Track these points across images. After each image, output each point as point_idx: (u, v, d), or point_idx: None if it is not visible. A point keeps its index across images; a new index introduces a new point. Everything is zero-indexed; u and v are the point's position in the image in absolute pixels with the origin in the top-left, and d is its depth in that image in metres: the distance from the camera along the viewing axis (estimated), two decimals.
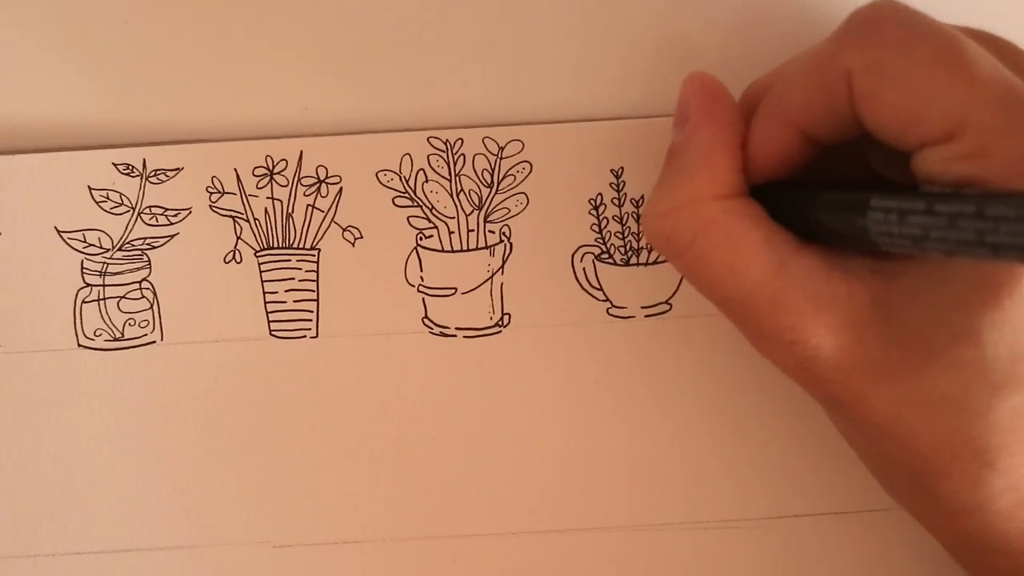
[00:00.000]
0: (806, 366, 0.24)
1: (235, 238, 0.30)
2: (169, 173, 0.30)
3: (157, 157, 0.30)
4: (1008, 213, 0.18)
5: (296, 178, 0.30)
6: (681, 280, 0.30)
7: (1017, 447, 0.23)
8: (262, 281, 0.30)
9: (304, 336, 0.30)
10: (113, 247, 0.30)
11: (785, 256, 0.24)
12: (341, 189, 0.30)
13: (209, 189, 0.30)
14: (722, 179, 0.25)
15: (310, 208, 0.30)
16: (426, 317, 0.30)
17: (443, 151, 0.30)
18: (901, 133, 0.22)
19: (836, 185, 0.24)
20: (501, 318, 0.30)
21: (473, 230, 0.30)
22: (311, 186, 0.30)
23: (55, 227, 0.30)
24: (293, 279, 0.30)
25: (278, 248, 0.30)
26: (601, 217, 0.30)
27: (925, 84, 0.22)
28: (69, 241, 0.30)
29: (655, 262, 0.30)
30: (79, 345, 0.30)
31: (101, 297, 0.30)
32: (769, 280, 0.24)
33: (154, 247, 0.30)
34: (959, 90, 0.21)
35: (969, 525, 0.24)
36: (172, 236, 0.30)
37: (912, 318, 0.23)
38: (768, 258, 0.24)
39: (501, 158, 0.30)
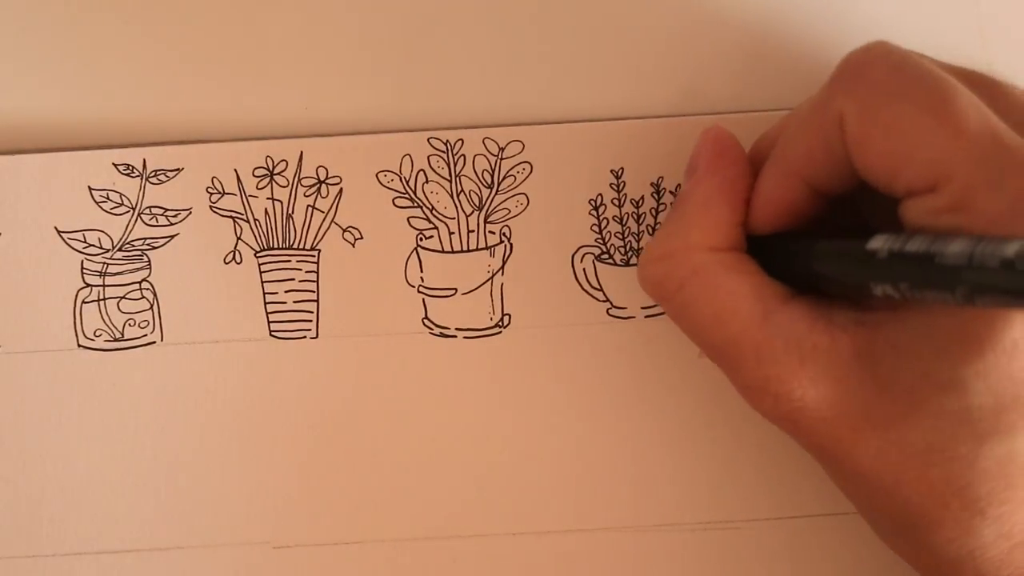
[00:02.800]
0: (792, 417, 0.24)
1: (235, 238, 0.30)
2: (169, 173, 0.30)
3: (157, 157, 0.30)
4: (1004, 251, 0.18)
5: (296, 178, 0.30)
6: None
7: (1007, 495, 0.22)
8: (262, 282, 0.30)
9: (304, 337, 0.30)
10: (113, 247, 0.30)
11: (771, 307, 0.24)
12: (341, 190, 0.30)
13: (209, 189, 0.30)
14: (718, 231, 0.25)
15: (310, 209, 0.30)
16: (426, 318, 0.30)
17: (443, 152, 0.30)
18: (889, 180, 0.23)
19: (828, 234, 0.24)
20: (501, 318, 0.30)
21: (473, 231, 0.30)
22: (311, 187, 0.30)
23: (55, 227, 0.30)
24: (293, 280, 0.30)
25: (278, 249, 0.30)
26: (601, 217, 0.30)
27: (911, 132, 0.22)
28: (69, 241, 0.30)
29: None
30: (79, 345, 0.30)
31: (101, 297, 0.30)
32: (753, 330, 0.24)
33: (154, 247, 0.30)
34: (944, 141, 0.21)
35: (961, 573, 0.23)
36: (172, 236, 0.30)
37: (896, 369, 0.23)
38: (753, 308, 0.24)
39: (501, 159, 0.30)
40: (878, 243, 0.22)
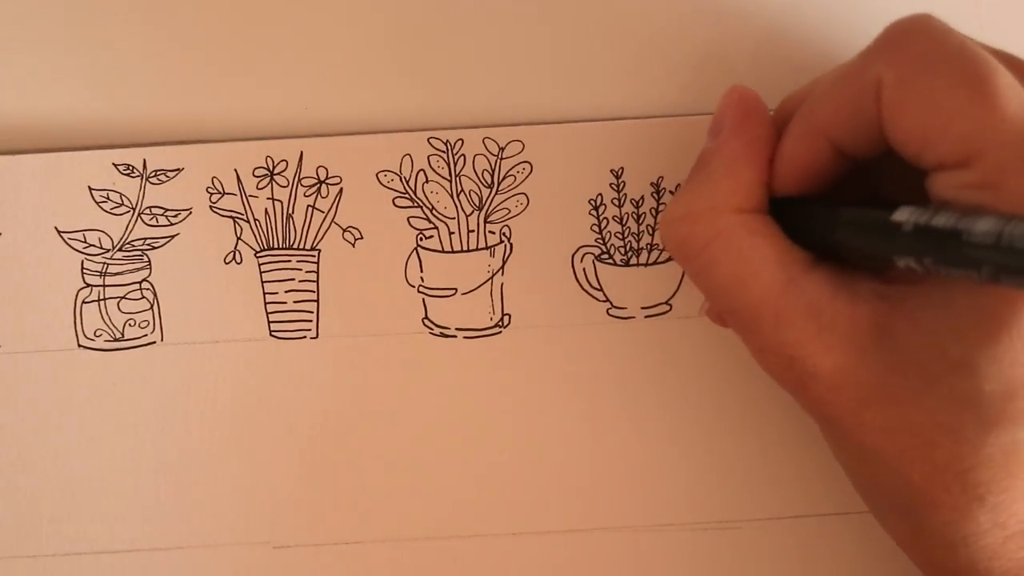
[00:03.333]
0: (805, 383, 0.24)
1: (235, 238, 0.30)
2: (169, 173, 0.30)
3: (157, 157, 0.30)
4: None
5: (296, 178, 0.30)
6: (681, 281, 0.30)
7: (1007, 483, 0.23)
8: (262, 282, 0.30)
9: (304, 337, 0.30)
10: (113, 247, 0.30)
11: (793, 273, 0.24)
12: (341, 190, 0.30)
13: (209, 189, 0.30)
14: (743, 191, 0.25)
15: (310, 209, 0.30)
16: (426, 318, 0.30)
17: (443, 151, 0.30)
18: (920, 151, 0.23)
19: (854, 203, 0.24)
20: (501, 318, 0.30)
21: (473, 230, 0.30)
22: (311, 187, 0.30)
23: (55, 227, 0.30)
24: (293, 280, 0.30)
25: (278, 249, 0.30)
26: (601, 217, 0.30)
27: (947, 105, 0.22)
28: (69, 241, 0.30)
29: (655, 262, 0.30)
30: (79, 345, 0.30)
31: (101, 297, 0.30)
32: (775, 295, 0.24)
33: (154, 247, 0.30)
34: (978, 117, 0.21)
35: (954, 560, 0.23)
36: (172, 236, 0.30)
37: (912, 345, 0.23)
38: (776, 274, 0.24)
39: (501, 158, 0.30)
40: (904, 215, 0.21)
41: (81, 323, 0.30)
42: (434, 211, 0.30)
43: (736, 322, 0.26)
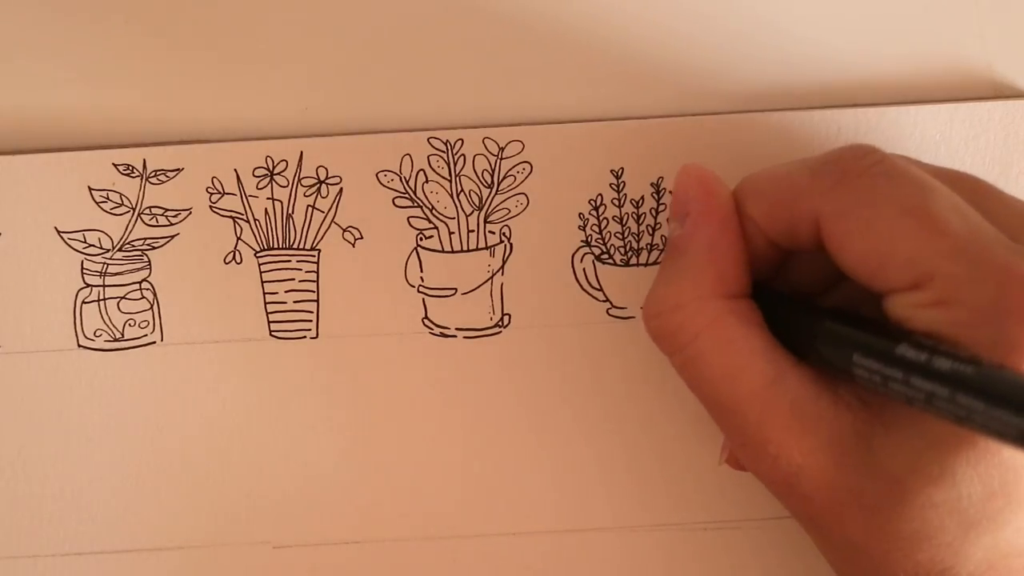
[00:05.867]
0: (788, 482, 0.24)
1: (235, 239, 0.30)
2: (169, 173, 0.30)
3: (157, 157, 0.30)
4: (977, 407, 0.20)
5: (296, 179, 0.30)
6: None
7: None
8: (262, 282, 0.30)
9: (304, 336, 0.30)
10: (113, 247, 0.30)
11: (781, 369, 0.24)
12: (341, 190, 0.30)
13: (209, 190, 0.30)
14: (731, 277, 0.25)
15: (310, 209, 0.30)
16: (426, 317, 0.30)
17: (443, 151, 0.30)
18: (870, 278, 0.23)
19: (830, 315, 0.24)
20: (501, 318, 0.30)
21: (473, 230, 0.30)
22: (311, 187, 0.30)
23: (55, 227, 0.30)
24: (293, 279, 0.30)
25: (278, 249, 0.30)
26: (601, 217, 0.30)
27: (891, 235, 0.22)
28: (69, 241, 0.30)
29: (655, 262, 0.30)
30: (79, 345, 0.30)
31: (101, 297, 0.30)
32: (761, 391, 0.24)
33: (154, 247, 0.30)
34: (925, 241, 0.22)
35: None
36: (172, 237, 0.30)
37: (887, 456, 0.23)
38: (765, 368, 0.24)
39: (501, 158, 0.30)
40: (873, 364, 0.22)
41: (81, 323, 0.30)
42: (434, 211, 0.30)
43: (720, 415, 0.25)
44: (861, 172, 0.23)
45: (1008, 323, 0.21)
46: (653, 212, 0.30)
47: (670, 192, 0.30)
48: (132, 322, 0.30)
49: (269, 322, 0.30)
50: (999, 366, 0.20)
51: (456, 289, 0.30)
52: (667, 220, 0.30)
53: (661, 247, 0.31)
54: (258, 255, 0.30)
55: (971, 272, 0.21)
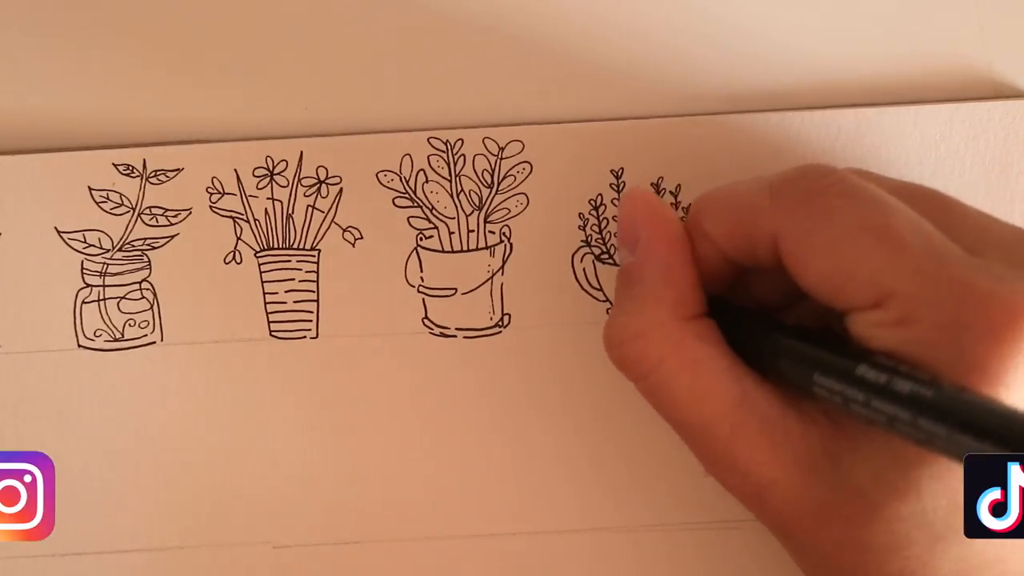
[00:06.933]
0: (759, 496, 0.24)
1: (235, 239, 0.30)
2: (169, 173, 0.30)
3: (157, 157, 0.30)
4: (939, 432, 0.19)
5: (296, 178, 0.30)
6: None
7: None
8: (262, 282, 0.30)
9: (304, 336, 0.30)
10: (113, 247, 0.30)
11: (747, 388, 0.24)
12: (341, 189, 0.30)
13: (209, 190, 0.30)
14: (687, 299, 0.25)
15: (310, 209, 0.30)
16: (426, 317, 0.30)
17: (443, 151, 0.30)
18: (831, 297, 0.23)
19: (790, 333, 0.24)
20: (501, 318, 0.30)
21: (473, 230, 0.30)
22: (311, 187, 0.30)
23: (55, 227, 0.30)
24: (293, 280, 0.30)
25: (278, 249, 0.30)
26: (601, 217, 0.30)
27: (851, 254, 0.22)
28: (69, 241, 0.30)
29: None
30: (79, 345, 0.30)
31: (101, 297, 0.30)
32: (730, 411, 0.24)
33: (154, 248, 0.30)
34: (884, 260, 0.22)
35: None
36: (172, 237, 0.30)
37: (853, 470, 0.23)
38: (731, 388, 0.24)
39: (501, 158, 0.30)
40: (834, 384, 0.22)
41: (81, 323, 0.30)
42: (434, 211, 0.30)
43: (688, 435, 0.25)
44: (820, 192, 0.23)
45: (968, 340, 0.21)
46: None
47: (671, 192, 0.30)
48: (132, 322, 0.30)
49: (269, 322, 0.30)
50: (960, 388, 0.20)
51: (456, 289, 0.30)
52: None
53: None
54: (258, 255, 0.30)
55: (930, 290, 0.21)
